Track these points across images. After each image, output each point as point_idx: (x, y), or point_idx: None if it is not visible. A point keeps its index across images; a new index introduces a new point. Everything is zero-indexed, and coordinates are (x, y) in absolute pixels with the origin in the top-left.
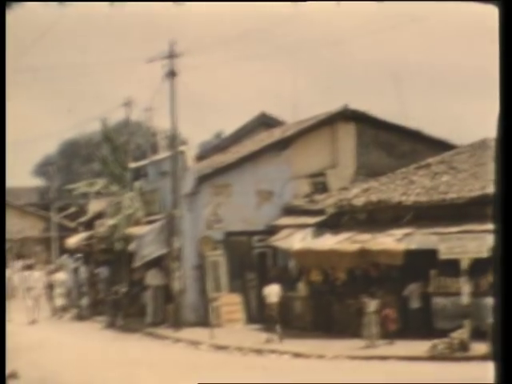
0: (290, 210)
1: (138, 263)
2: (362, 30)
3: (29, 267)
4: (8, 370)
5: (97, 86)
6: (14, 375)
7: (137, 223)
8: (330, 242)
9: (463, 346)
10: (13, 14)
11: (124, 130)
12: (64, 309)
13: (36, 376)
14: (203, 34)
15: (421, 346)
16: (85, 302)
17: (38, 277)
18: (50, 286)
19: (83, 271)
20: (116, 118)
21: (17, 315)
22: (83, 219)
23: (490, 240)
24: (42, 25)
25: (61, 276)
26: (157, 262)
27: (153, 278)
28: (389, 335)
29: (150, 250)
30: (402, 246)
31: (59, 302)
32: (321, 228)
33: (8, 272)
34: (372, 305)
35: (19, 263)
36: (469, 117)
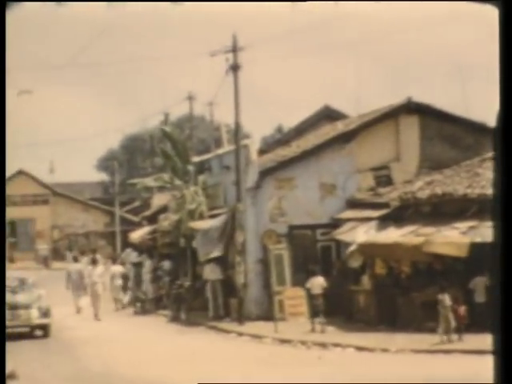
0: (353, 203)
1: (202, 258)
2: (424, 23)
3: (94, 262)
4: (8, 369)
5: (160, 81)
6: (13, 375)
7: (200, 217)
8: (393, 235)
9: None
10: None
11: (187, 124)
12: (127, 303)
13: (103, 370)
14: (266, 27)
15: (486, 340)
16: (148, 295)
17: (100, 271)
18: (112, 280)
19: (147, 265)
20: (179, 112)
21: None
22: (147, 213)
23: None
24: (53, 24)
25: (121, 269)
26: (217, 256)
27: (211, 273)
28: (457, 330)
29: (214, 244)
30: (466, 239)
31: (122, 296)
32: (385, 221)
33: (77, 266)
34: (447, 299)
35: (85, 258)
36: None
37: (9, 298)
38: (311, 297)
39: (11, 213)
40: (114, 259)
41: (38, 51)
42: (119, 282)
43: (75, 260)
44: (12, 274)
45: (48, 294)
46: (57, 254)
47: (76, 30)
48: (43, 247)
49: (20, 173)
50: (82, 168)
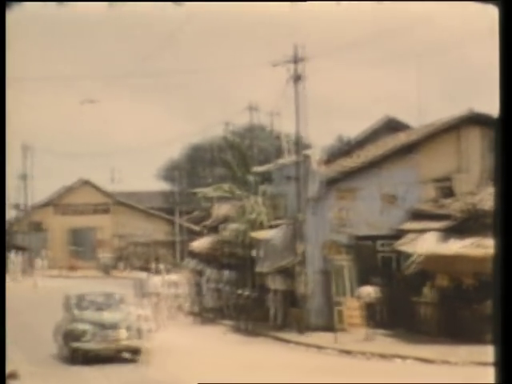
0: (415, 215)
1: (265, 269)
2: (485, 33)
3: (157, 271)
4: (8, 370)
5: (221, 91)
6: (13, 375)
7: (261, 227)
8: (455, 246)
9: None
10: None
11: (248, 133)
12: (187, 312)
13: (166, 380)
14: (328, 37)
15: None
16: (209, 305)
17: (158, 281)
18: (171, 289)
19: (208, 274)
20: (240, 122)
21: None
22: (208, 223)
23: None
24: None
25: (179, 278)
26: (279, 266)
27: (274, 282)
28: None
29: (275, 255)
30: None
31: (182, 305)
32: (446, 232)
33: (144, 275)
34: None
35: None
36: None
37: (94, 316)
38: (360, 306)
39: (74, 221)
40: (170, 268)
41: (103, 60)
42: (177, 291)
43: (143, 269)
44: (97, 288)
45: None
46: (118, 263)
47: (142, 39)
48: (105, 256)
49: (82, 182)
50: (143, 177)
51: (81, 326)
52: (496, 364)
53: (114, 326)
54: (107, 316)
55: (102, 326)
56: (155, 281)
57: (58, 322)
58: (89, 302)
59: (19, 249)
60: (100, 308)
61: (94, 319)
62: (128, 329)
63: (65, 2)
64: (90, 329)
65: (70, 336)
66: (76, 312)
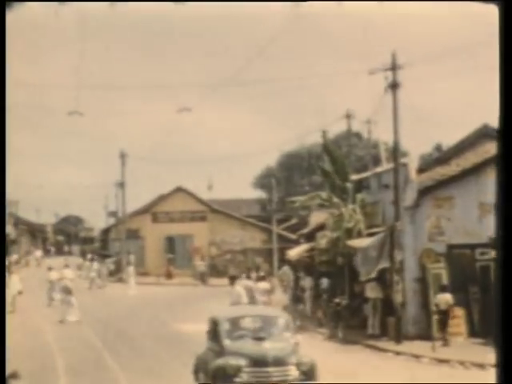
0: None
1: (363, 278)
2: None
3: (260, 279)
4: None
5: (318, 98)
6: (14, 375)
7: (358, 236)
8: None
9: None
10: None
11: (344, 141)
12: None
13: None
14: (424, 45)
15: None
16: (306, 313)
17: (256, 288)
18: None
19: (304, 283)
20: (337, 129)
21: None
22: (304, 231)
23: None
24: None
25: (272, 286)
26: (376, 275)
27: (372, 291)
28: None
29: (373, 263)
30: None
31: None
32: None
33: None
34: None
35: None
36: None
37: (252, 347)
38: (438, 312)
39: (170, 229)
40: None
41: (200, 68)
42: (272, 298)
43: (248, 277)
44: (253, 310)
45: (206, 309)
46: (214, 271)
47: (237, 47)
48: (201, 263)
49: (179, 189)
50: (239, 185)
51: (234, 362)
52: (497, 365)
53: (279, 362)
54: (269, 347)
55: (263, 362)
56: (254, 288)
57: (199, 355)
58: (243, 328)
59: (107, 256)
60: (259, 337)
61: (251, 352)
62: (298, 365)
63: (67, 2)
64: (246, 365)
65: (219, 375)
66: (227, 342)
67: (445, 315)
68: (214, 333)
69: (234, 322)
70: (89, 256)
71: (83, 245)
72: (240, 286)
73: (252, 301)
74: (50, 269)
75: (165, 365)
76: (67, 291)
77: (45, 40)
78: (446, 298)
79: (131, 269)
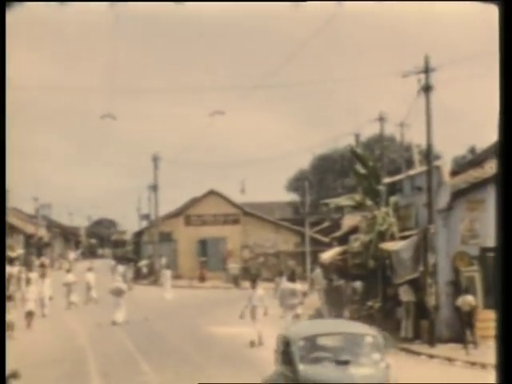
0: None
1: (397, 281)
2: None
3: (291, 279)
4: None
5: (350, 101)
6: (14, 375)
7: (391, 239)
8: None
9: None
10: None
11: (377, 144)
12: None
13: None
14: (457, 47)
15: None
16: (340, 316)
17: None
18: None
19: (337, 286)
20: (369, 132)
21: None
22: (337, 234)
23: None
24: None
25: (306, 288)
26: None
27: (405, 294)
28: None
29: (406, 266)
30: None
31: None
32: None
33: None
34: None
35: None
36: None
37: (332, 373)
38: (462, 314)
39: (202, 232)
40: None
41: (232, 71)
42: (305, 301)
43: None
44: (334, 326)
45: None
46: (247, 274)
47: (270, 50)
48: (233, 266)
49: (211, 192)
50: (272, 188)
51: None
52: (497, 365)
53: None
54: (355, 373)
55: None
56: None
57: (266, 379)
58: (322, 348)
59: (130, 260)
60: (342, 360)
61: (332, 379)
62: None
63: (66, 2)
64: None
65: None
66: (302, 367)
67: (469, 317)
68: (285, 354)
69: (311, 342)
70: (111, 260)
71: (115, 248)
72: (261, 289)
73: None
74: (68, 271)
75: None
76: (117, 293)
77: (81, 43)
78: (468, 299)
79: (168, 272)
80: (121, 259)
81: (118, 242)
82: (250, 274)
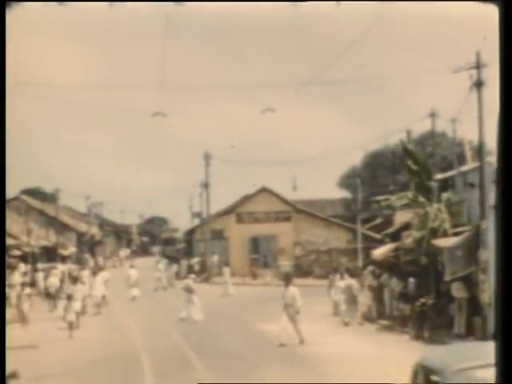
0: None
1: (448, 277)
2: None
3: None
4: (8, 370)
5: (402, 98)
6: (14, 375)
7: (443, 235)
8: None
9: None
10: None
11: (429, 141)
12: (368, 319)
13: None
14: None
15: None
16: (391, 313)
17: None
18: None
19: (390, 282)
20: (421, 129)
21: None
22: (389, 230)
23: None
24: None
25: (356, 285)
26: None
27: (458, 290)
28: None
29: (459, 263)
30: None
31: (364, 312)
32: None
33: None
34: None
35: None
36: None
37: None
38: None
39: (254, 229)
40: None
41: (282, 68)
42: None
43: (324, 277)
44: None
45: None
46: (299, 271)
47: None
48: (285, 263)
49: (263, 190)
50: (324, 185)
51: None
52: (497, 365)
53: None
54: None
55: None
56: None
57: None
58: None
59: (175, 258)
60: None
61: None
62: None
63: (67, 2)
64: None
65: None
66: None
67: None
68: None
69: (468, 376)
70: (156, 258)
71: (164, 246)
72: (295, 288)
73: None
74: (100, 269)
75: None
76: (189, 290)
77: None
78: None
79: (227, 269)
80: (170, 257)
81: (168, 240)
82: (302, 271)
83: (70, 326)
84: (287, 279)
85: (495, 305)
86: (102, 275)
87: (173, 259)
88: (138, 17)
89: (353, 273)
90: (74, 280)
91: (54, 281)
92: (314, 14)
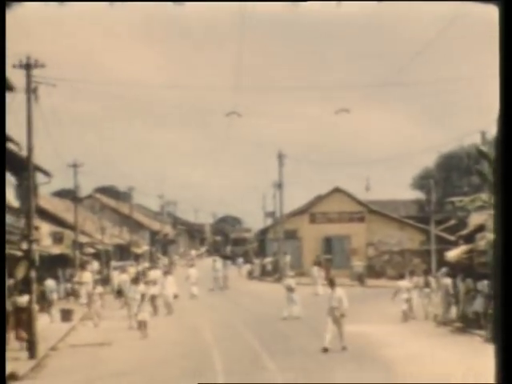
0: None
1: None
2: None
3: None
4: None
5: (476, 99)
6: (13, 376)
7: None
8: None
9: None
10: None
11: None
12: (440, 322)
13: None
14: None
15: None
16: (464, 315)
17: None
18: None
19: (463, 284)
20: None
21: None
22: (463, 232)
23: None
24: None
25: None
26: None
27: None
28: None
29: None
30: None
31: (436, 314)
32: None
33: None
34: None
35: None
36: None
37: None
38: None
39: (327, 230)
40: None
41: (357, 71)
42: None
43: (398, 278)
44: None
45: (366, 311)
46: (371, 272)
47: (396, 49)
48: (358, 264)
49: (336, 190)
50: (397, 186)
51: None
52: (497, 365)
53: None
54: None
55: None
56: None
57: None
58: None
59: (229, 258)
60: None
61: None
62: None
63: (68, 2)
64: None
65: None
66: None
67: None
68: None
69: None
70: (214, 258)
71: (234, 246)
72: (342, 290)
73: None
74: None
75: None
76: (290, 289)
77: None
78: None
79: (316, 269)
80: (226, 257)
81: (238, 240)
82: (375, 272)
83: (142, 325)
84: (331, 282)
85: (495, 306)
86: (191, 273)
87: (228, 259)
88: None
89: (427, 274)
90: (146, 279)
91: (125, 278)
92: (392, 14)
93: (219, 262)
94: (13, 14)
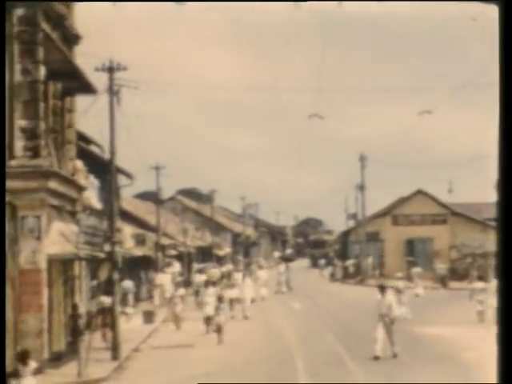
0: None
1: None
2: None
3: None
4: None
5: None
6: (14, 374)
7: None
8: None
9: None
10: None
11: None
12: None
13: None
14: None
15: None
16: None
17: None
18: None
19: None
20: None
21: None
22: None
23: None
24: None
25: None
26: None
27: None
28: None
29: None
30: None
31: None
32: None
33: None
34: None
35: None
36: None
37: None
38: None
39: (409, 232)
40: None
41: (440, 72)
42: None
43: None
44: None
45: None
46: (454, 274)
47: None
48: (441, 266)
49: (419, 192)
50: (480, 188)
51: None
52: (497, 365)
53: None
54: None
55: None
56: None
57: None
58: None
59: (289, 260)
60: None
61: None
62: None
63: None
64: None
65: None
66: None
67: None
68: None
69: None
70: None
71: (313, 248)
72: (392, 296)
73: None
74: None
75: None
76: (398, 291)
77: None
78: None
79: (416, 270)
80: (287, 259)
81: (317, 243)
82: (458, 275)
83: (219, 328)
84: (382, 288)
85: (498, 306)
86: (260, 275)
87: (289, 261)
88: (292, 19)
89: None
90: (205, 284)
91: (202, 280)
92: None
93: (282, 266)
94: (82, 15)
